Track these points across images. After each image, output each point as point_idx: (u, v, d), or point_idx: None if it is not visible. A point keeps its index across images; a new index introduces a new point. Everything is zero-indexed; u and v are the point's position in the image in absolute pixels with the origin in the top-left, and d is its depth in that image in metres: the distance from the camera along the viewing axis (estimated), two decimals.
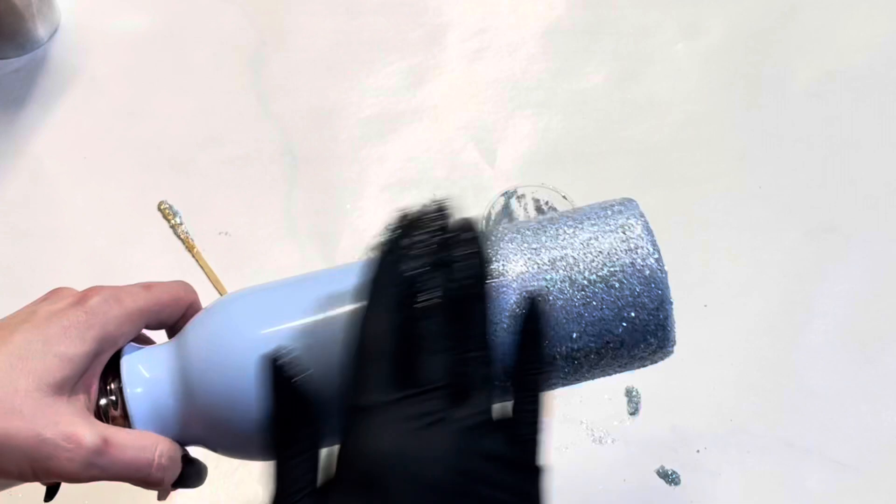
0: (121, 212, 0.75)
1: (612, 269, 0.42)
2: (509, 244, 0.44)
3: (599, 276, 0.42)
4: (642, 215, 0.44)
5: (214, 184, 0.76)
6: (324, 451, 0.38)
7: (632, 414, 0.68)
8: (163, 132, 0.79)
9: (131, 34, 0.83)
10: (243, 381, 0.41)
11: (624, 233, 0.43)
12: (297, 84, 0.81)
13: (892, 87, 0.83)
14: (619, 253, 0.43)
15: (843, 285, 0.73)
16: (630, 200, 0.45)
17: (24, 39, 0.80)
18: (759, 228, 0.76)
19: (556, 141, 0.79)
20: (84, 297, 0.42)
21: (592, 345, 0.42)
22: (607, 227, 0.44)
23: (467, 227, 0.40)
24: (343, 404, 0.37)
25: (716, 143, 0.80)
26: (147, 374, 0.43)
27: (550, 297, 0.42)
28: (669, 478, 0.66)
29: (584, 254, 0.43)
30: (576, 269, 0.42)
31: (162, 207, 0.75)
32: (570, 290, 0.42)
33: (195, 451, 0.45)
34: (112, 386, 0.43)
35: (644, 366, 0.45)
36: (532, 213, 0.75)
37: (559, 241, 0.43)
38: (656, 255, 0.43)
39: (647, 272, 0.42)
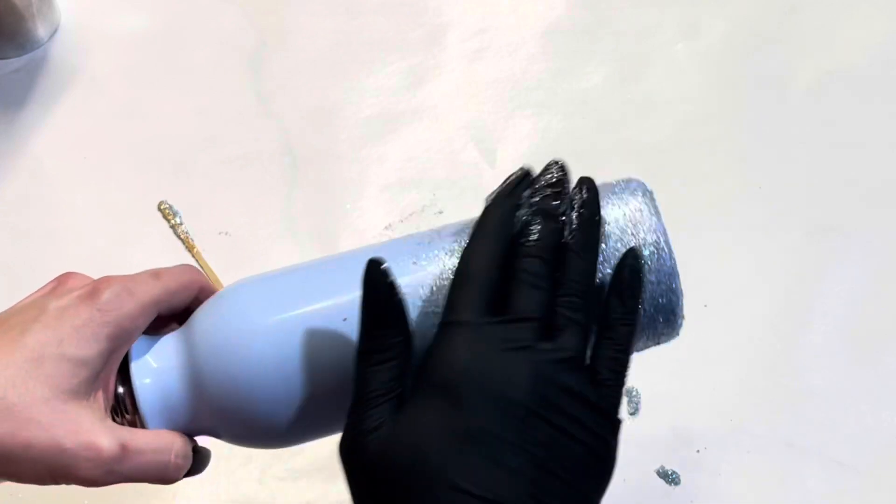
0: (121, 212, 0.75)
1: (655, 240, 0.44)
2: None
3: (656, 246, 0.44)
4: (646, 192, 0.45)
5: (214, 184, 0.76)
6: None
7: (632, 414, 0.68)
8: (163, 132, 0.79)
9: (131, 34, 0.83)
10: (252, 368, 0.41)
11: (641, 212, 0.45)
12: (297, 84, 0.81)
13: (892, 87, 0.83)
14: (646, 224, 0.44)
15: (843, 285, 0.73)
16: (629, 181, 0.46)
17: (24, 39, 0.80)
18: (759, 228, 0.76)
19: (556, 141, 0.79)
20: (95, 290, 0.41)
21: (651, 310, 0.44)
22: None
23: (583, 184, 0.41)
24: (439, 322, 0.39)
25: (716, 143, 0.80)
26: (155, 364, 0.43)
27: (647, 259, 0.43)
28: (669, 478, 0.66)
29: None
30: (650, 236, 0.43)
31: (162, 207, 0.75)
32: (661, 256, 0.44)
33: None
34: (123, 379, 0.42)
35: (649, 346, 0.47)
36: None
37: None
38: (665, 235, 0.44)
39: (666, 249, 0.44)
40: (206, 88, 0.81)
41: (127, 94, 0.80)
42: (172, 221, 0.74)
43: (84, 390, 0.40)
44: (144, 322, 0.43)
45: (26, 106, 0.79)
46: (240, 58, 0.82)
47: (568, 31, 0.85)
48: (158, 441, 0.41)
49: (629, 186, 0.45)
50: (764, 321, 0.72)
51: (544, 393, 0.36)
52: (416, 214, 0.75)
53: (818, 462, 0.66)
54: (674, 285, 0.45)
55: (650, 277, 0.43)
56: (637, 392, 0.68)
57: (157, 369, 0.42)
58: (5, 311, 0.42)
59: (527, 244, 0.39)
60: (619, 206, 0.44)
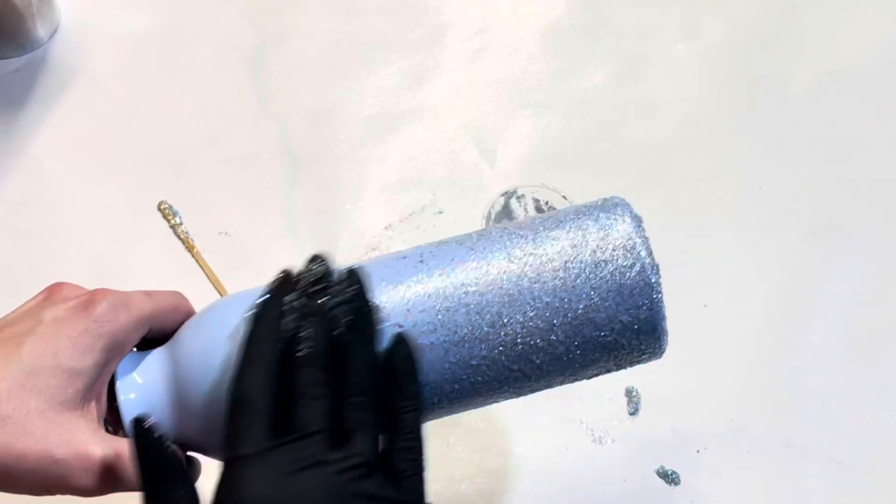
0: (121, 212, 0.75)
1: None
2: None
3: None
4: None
5: (214, 184, 0.76)
6: None
7: (632, 414, 0.68)
8: (163, 132, 0.78)
9: (131, 34, 0.83)
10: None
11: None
12: (297, 84, 0.81)
13: (892, 87, 0.83)
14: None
15: (843, 285, 0.73)
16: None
17: (24, 39, 0.80)
18: (759, 228, 0.76)
19: (556, 141, 0.79)
20: (90, 301, 0.42)
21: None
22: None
23: (349, 276, 0.40)
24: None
25: (716, 142, 0.80)
26: (140, 379, 0.43)
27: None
28: (669, 478, 0.66)
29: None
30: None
31: (162, 207, 0.75)
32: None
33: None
34: (109, 395, 0.43)
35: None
36: (532, 212, 0.75)
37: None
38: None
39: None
40: (206, 88, 0.81)
41: (127, 94, 0.80)
42: (172, 221, 0.74)
43: (78, 400, 0.40)
44: (137, 336, 0.43)
45: (26, 106, 0.79)
46: (240, 58, 0.82)
47: (568, 31, 0.85)
48: None
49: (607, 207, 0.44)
50: (764, 321, 0.72)
51: None
52: (416, 214, 0.75)
53: (818, 462, 0.66)
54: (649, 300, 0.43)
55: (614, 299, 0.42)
56: (637, 392, 0.68)
57: (142, 385, 0.43)
58: None
59: (299, 354, 0.38)
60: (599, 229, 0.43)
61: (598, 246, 0.43)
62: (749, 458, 0.67)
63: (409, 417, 0.39)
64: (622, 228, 0.43)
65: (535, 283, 0.42)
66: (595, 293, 0.42)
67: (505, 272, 0.42)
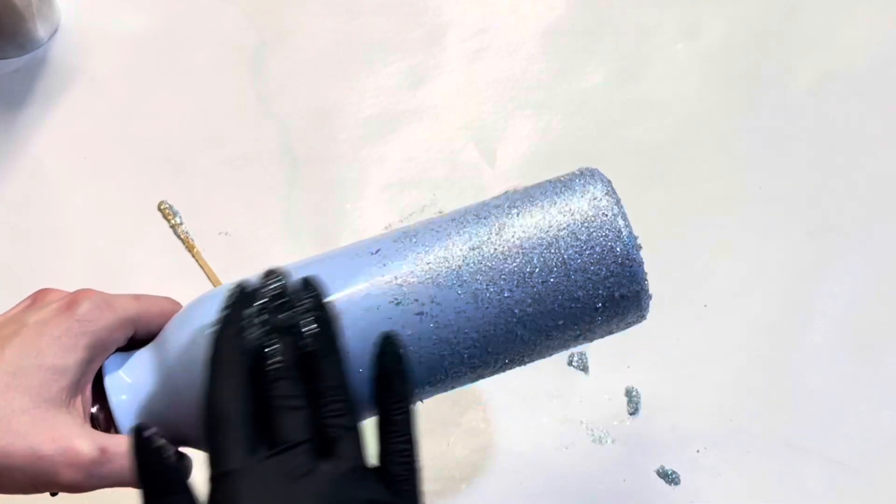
0: (121, 212, 0.75)
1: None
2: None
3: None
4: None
5: (214, 184, 0.76)
6: None
7: (632, 414, 0.68)
8: (163, 132, 0.79)
9: (131, 34, 0.83)
10: None
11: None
12: (297, 84, 0.81)
13: (892, 87, 0.83)
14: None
15: (843, 285, 0.73)
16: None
17: (24, 39, 0.80)
18: (759, 228, 0.76)
19: (556, 141, 0.79)
20: (73, 301, 0.42)
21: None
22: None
23: (306, 287, 0.40)
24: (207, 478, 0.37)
25: (716, 142, 0.80)
26: (129, 379, 0.43)
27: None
28: (669, 478, 0.66)
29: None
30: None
31: (162, 207, 0.75)
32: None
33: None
34: (97, 395, 0.43)
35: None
36: None
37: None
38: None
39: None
40: (206, 88, 0.81)
41: (127, 94, 0.80)
42: (172, 221, 0.74)
43: (63, 398, 0.40)
44: (121, 336, 0.43)
45: (26, 106, 0.79)
46: (240, 58, 0.82)
47: (568, 31, 0.85)
48: None
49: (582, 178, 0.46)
50: (764, 321, 0.72)
51: None
52: (416, 214, 0.75)
53: (818, 462, 0.66)
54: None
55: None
56: (637, 392, 0.68)
57: (131, 385, 0.43)
58: None
59: (270, 368, 0.38)
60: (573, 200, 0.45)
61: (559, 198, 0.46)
62: (749, 458, 0.67)
63: (401, 419, 0.39)
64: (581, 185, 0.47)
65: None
66: (564, 232, 0.44)
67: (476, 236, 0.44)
